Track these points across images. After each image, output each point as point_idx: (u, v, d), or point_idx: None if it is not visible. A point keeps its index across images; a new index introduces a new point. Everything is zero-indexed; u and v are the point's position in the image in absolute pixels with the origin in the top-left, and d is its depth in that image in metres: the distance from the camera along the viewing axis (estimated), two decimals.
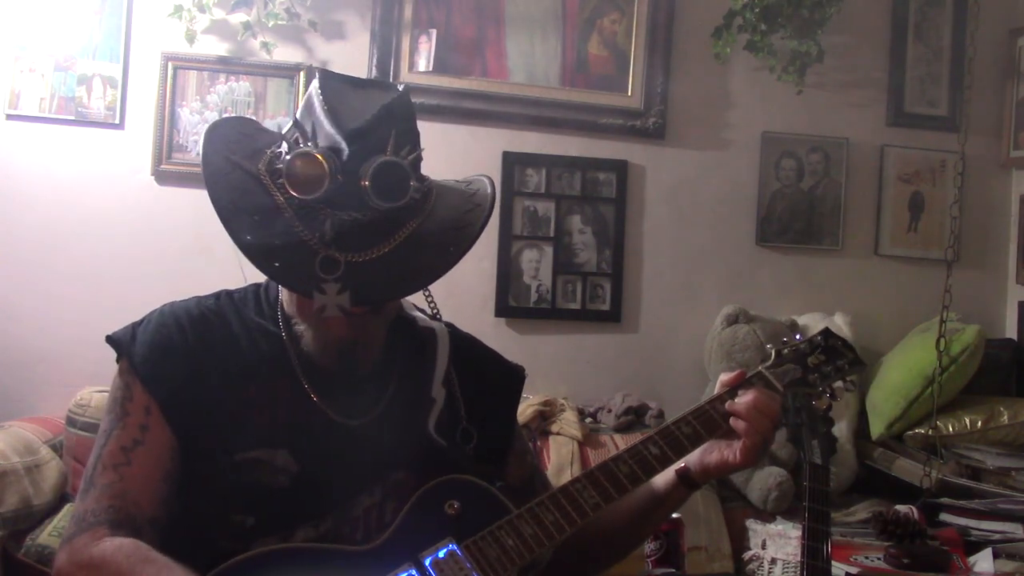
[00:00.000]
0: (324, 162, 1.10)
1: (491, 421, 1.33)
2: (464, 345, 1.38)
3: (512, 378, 1.42)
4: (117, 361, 1.23)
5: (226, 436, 1.17)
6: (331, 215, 1.10)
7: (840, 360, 1.38)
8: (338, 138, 1.11)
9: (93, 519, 1.12)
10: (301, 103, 1.21)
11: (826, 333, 1.41)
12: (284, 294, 1.24)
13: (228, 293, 1.30)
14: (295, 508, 1.17)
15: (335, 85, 1.20)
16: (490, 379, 1.38)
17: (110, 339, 1.24)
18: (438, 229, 1.16)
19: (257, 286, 1.31)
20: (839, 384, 1.39)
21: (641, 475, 1.20)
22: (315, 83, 1.18)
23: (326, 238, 1.09)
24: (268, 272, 1.10)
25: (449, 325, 1.37)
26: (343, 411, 1.22)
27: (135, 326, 1.24)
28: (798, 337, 1.42)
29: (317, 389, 1.22)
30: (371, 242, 1.11)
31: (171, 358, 1.20)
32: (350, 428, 1.22)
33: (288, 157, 1.12)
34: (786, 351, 1.38)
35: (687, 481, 1.29)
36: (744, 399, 1.24)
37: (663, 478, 1.29)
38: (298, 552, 1.13)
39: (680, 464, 1.27)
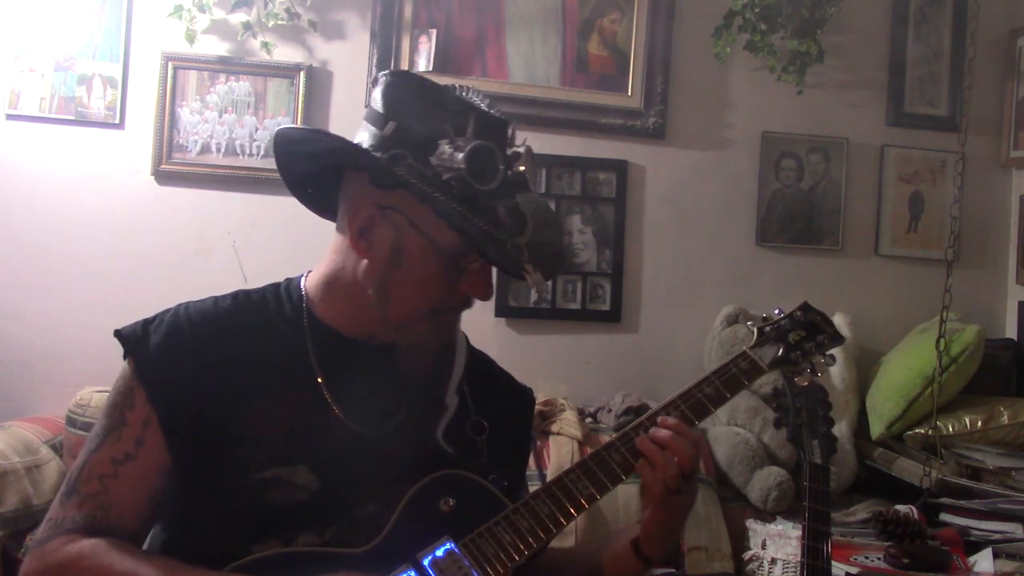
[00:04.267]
0: (498, 151, 1.13)
1: (505, 440, 1.31)
2: (479, 361, 1.36)
3: (524, 399, 1.42)
4: (124, 358, 1.18)
5: (241, 454, 1.12)
6: (501, 202, 1.13)
7: (820, 335, 1.40)
8: (493, 128, 1.15)
9: (71, 525, 1.09)
10: (404, 96, 1.17)
11: (805, 307, 1.42)
12: (402, 296, 1.17)
13: (246, 293, 1.25)
14: (306, 520, 1.14)
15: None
16: (503, 399, 1.36)
17: (118, 334, 1.18)
18: (540, 206, 1.22)
19: (276, 286, 1.27)
20: (819, 359, 1.40)
21: (633, 462, 1.19)
22: (423, 80, 1.19)
23: (504, 224, 1.12)
24: (499, 260, 1.11)
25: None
26: (363, 422, 1.19)
27: (147, 323, 1.19)
28: (777, 312, 1.42)
29: (337, 398, 1.18)
30: (522, 224, 1.14)
31: (180, 369, 1.15)
32: (368, 440, 1.19)
33: (471, 148, 1.11)
34: (768, 329, 1.39)
35: (639, 553, 1.23)
36: (655, 433, 1.19)
37: (619, 549, 1.26)
38: (296, 556, 1.11)
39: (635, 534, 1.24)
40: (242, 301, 1.24)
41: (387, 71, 1.21)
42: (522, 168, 1.14)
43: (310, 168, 1.24)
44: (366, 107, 1.20)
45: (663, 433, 1.18)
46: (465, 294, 1.19)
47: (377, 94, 1.18)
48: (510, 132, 1.17)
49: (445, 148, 1.11)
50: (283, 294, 1.25)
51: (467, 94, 1.18)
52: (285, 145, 1.21)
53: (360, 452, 1.18)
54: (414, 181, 1.09)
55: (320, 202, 1.29)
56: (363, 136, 1.16)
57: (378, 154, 1.12)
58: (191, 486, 1.14)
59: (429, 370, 1.23)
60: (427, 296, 1.17)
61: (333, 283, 1.22)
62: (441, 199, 1.09)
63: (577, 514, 1.15)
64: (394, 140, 1.13)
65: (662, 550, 1.23)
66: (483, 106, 1.17)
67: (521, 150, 1.15)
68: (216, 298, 1.24)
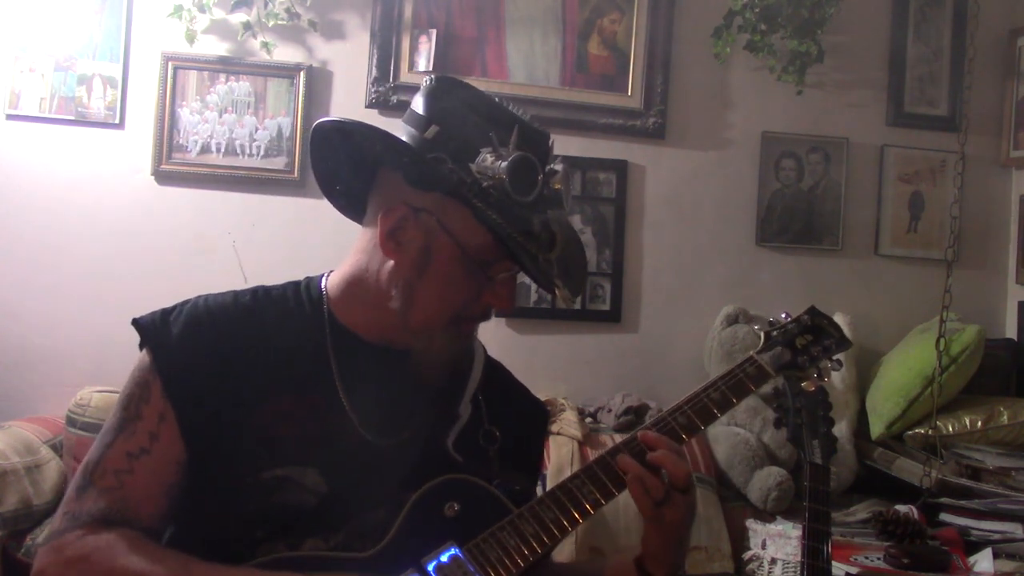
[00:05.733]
0: (539, 164, 1.13)
1: (516, 451, 1.30)
2: (495, 372, 1.36)
3: (538, 413, 1.42)
4: (140, 347, 1.16)
5: (253, 451, 1.12)
6: (535, 216, 1.12)
7: (827, 340, 1.38)
8: (535, 142, 1.14)
9: (87, 518, 1.08)
10: (450, 102, 1.15)
11: (812, 312, 1.41)
12: (425, 300, 1.16)
13: (266, 290, 1.24)
14: (313, 525, 1.13)
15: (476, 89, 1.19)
16: (517, 411, 1.35)
17: (136, 323, 1.16)
18: (567, 226, 1.22)
19: (296, 284, 1.25)
20: (826, 364, 1.38)
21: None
22: (469, 87, 1.17)
23: (538, 237, 1.12)
24: (533, 272, 1.11)
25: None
26: (376, 428, 1.18)
27: (166, 313, 1.18)
28: (784, 316, 1.41)
29: (352, 403, 1.18)
30: (553, 240, 1.14)
31: (198, 362, 1.14)
32: (380, 448, 1.18)
33: (513, 159, 1.10)
34: (775, 334, 1.37)
35: (643, 571, 1.21)
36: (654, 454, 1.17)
37: (622, 566, 1.23)
38: (301, 561, 1.10)
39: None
40: (262, 297, 1.22)
41: (434, 75, 1.20)
42: (557, 186, 1.13)
43: (343, 163, 1.23)
44: (407, 109, 1.19)
45: (651, 453, 1.16)
46: (487, 304, 1.18)
47: (420, 97, 1.17)
48: (550, 145, 1.17)
49: (487, 156, 1.11)
50: (303, 293, 1.24)
51: (510, 105, 1.18)
52: (323, 136, 1.20)
53: (370, 458, 1.17)
54: (456, 184, 1.09)
55: (347, 200, 1.27)
56: (401, 137, 1.16)
57: None
58: (200, 482, 1.14)
59: (444, 378, 1.22)
60: (450, 302, 1.16)
61: (355, 283, 1.21)
62: (480, 205, 1.09)
63: (582, 520, 1.14)
64: (435, 144, 1.12)
65: (666, 568, 1.19)
66: (526, 118, 1.16)
67: (559, 168, 1.15)
68: (236, 292, 1.22)
